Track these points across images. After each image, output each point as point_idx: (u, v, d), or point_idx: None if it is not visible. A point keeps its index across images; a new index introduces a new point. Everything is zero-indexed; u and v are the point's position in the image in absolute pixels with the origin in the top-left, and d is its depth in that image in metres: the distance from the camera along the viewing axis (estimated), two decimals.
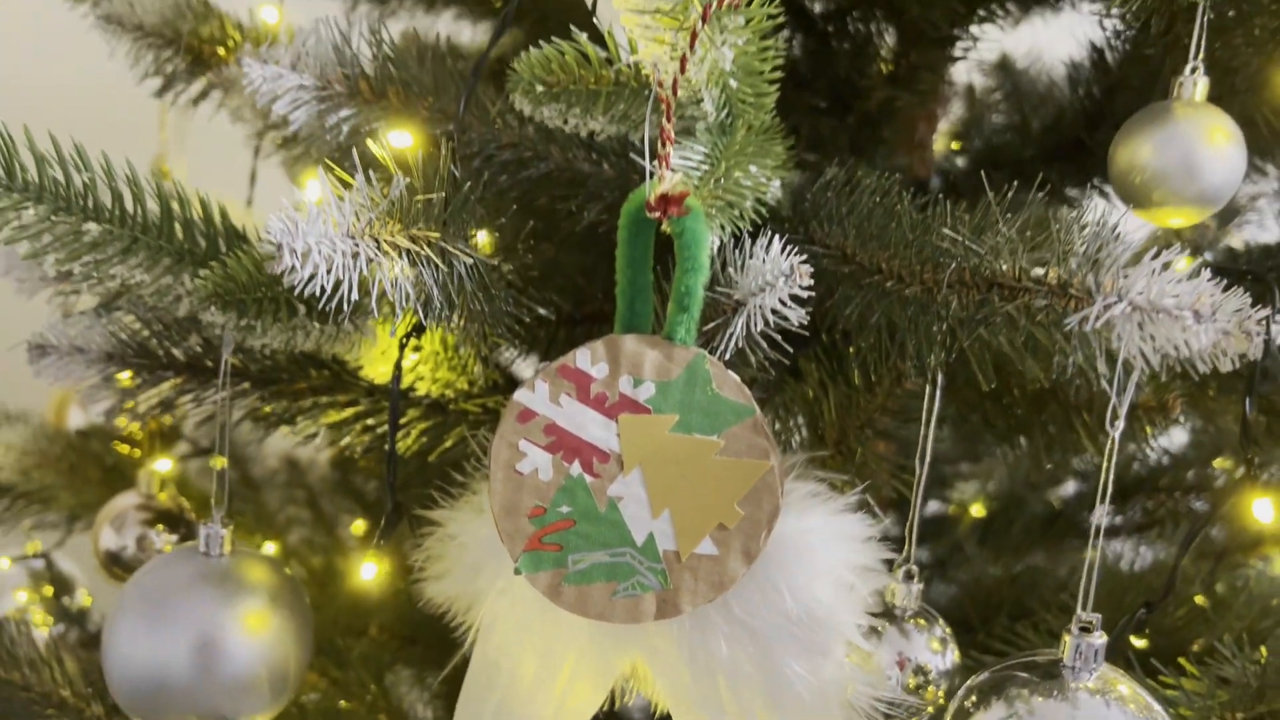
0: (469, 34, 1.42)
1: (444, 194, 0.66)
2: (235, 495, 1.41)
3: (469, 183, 0.67)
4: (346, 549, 1.42)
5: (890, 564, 0.68)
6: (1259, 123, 0.94)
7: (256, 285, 0.63)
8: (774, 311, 0.63)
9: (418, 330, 0.73)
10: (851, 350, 0.79)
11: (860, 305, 0.72)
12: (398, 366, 0.73)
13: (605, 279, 0.70)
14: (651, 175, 0.60)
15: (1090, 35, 1.08)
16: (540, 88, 0.64)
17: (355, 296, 0.58)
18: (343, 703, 1.13)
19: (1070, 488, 1.45)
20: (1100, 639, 0.63)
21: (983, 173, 1.13)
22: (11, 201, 0.62)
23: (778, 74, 0.65)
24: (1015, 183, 1.12)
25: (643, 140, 0.62)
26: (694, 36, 0.58)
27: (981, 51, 1.09)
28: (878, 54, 1.04)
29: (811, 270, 0.62)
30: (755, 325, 0.63)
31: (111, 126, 1.39)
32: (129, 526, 1.06)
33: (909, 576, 0.75)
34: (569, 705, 0.68)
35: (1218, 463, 1.34)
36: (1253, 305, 0.60)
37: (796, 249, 0.75)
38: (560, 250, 0.97)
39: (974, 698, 0.66)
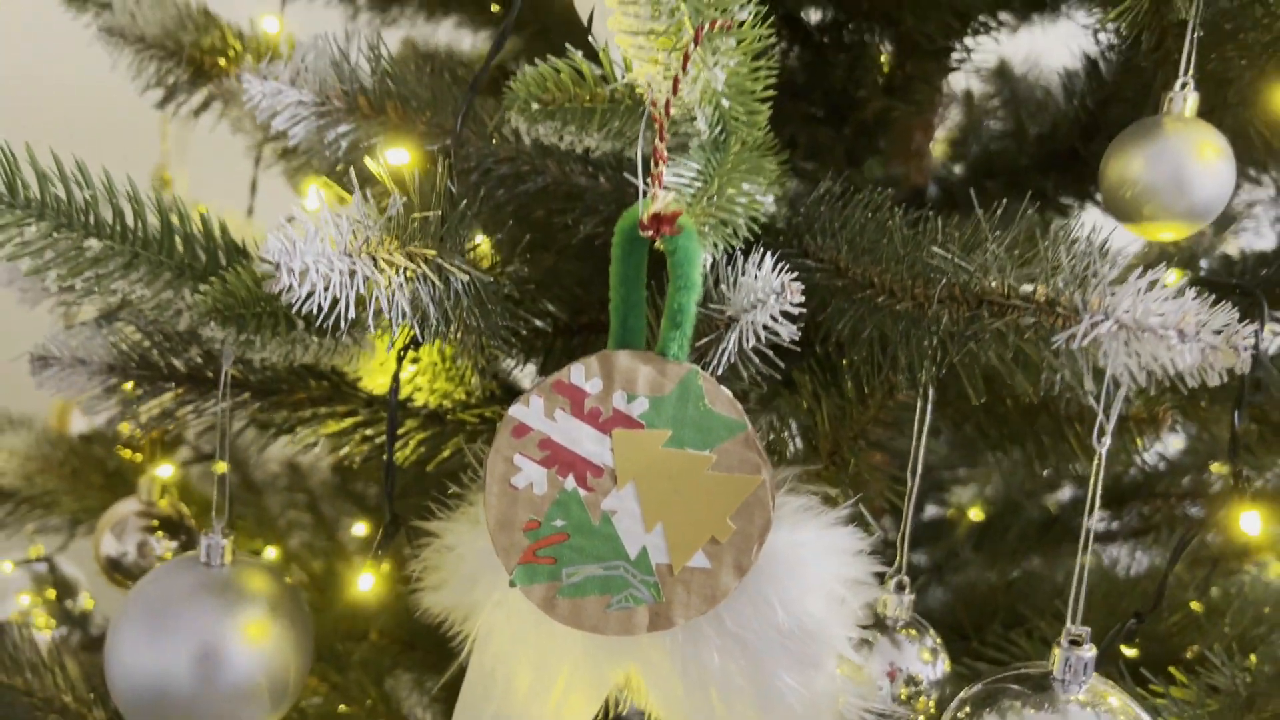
0: (469, 41, 1.43)
1: (441, 210, 0.66)
2: (237, 499, 1.42)
3: (464, 200, 0.68)
4: (347, 553, 1.43)
5: (882, 576, 0.68)
6: (1252, 135, 0.95)
7: (256, 300, 0.64)
8: (765, 328, 0.63)
9: (415, 343, 0.74)
10: (845, 363, 0.80)
11: (853, 319, 0.72)
12: (395, 379, 0.73)
13: (602, 290, 0.71)
14: (645, 194, 0.61)
15: (1085, 46, 1.08)
16: (535, 105, 0.65)
17: (352, 314, 0.59)
18: (343, 707, 1.14)
19: (1067, 493, 1.45)
20: (1090, 652, 0.64)
21: (976, 187, 1.14)
22: (14, 218, 0.63)
23: (770, 92, 0.66)
24: (1010, 193, 1.13)
25: (638, 156, 0.63)
26: (686, 58, 0.59)
27: (980, 57, 1.09)
28: (874, 65, 1.05)
29: (803, 287, 0.63)
30: (747, 341, 0.64)
31: (116, 131, 1.40)
32: (130, 533, 1.07)
33: (900, 587, 0.76)
34: (564, 716, 0.69)
35: (1215, 468, 1.35)
36: (1242, 318, 0.61)
37: (790, 263, 0.76)
38: (559, 260, 0.98)
39: (966, 709, 0.67)
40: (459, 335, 0.69)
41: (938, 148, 1.28)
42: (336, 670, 1.15)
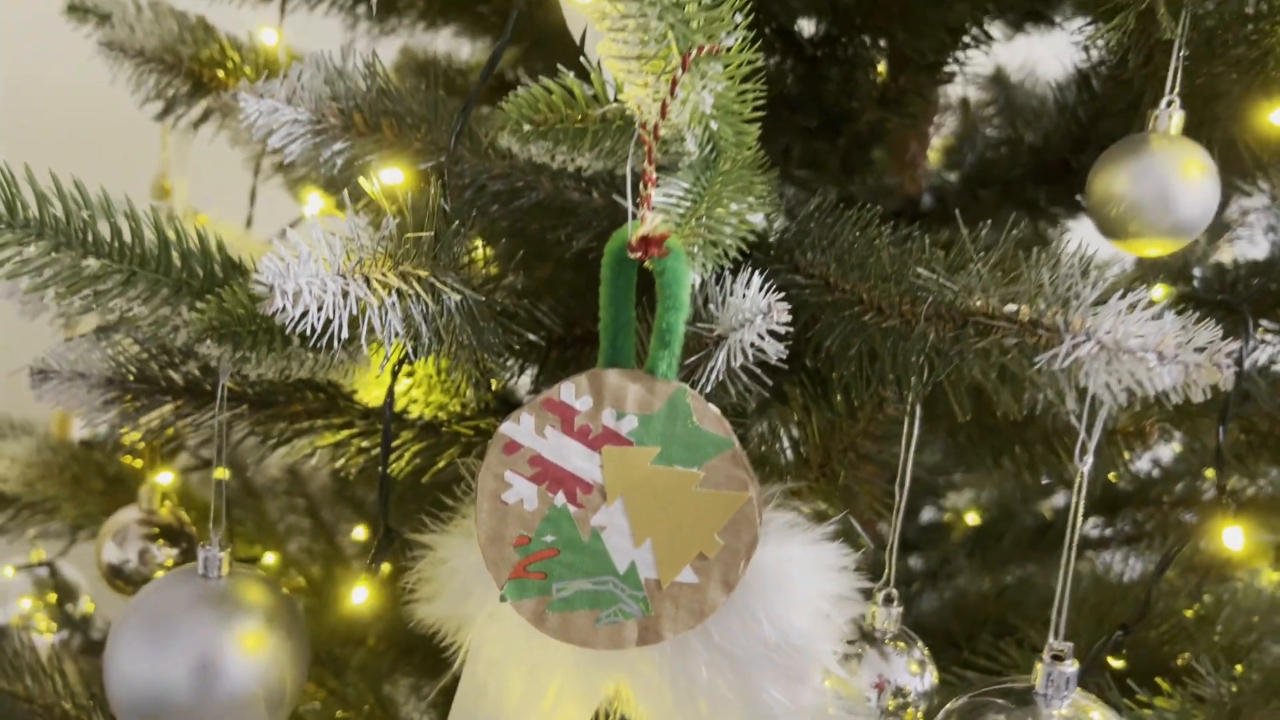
0: (467, 50, 1.44)
1: (435, 228, 0.67)
2: (237, 504, 1.43)
3: (457, 221, 0.69)
4: (346, 558, 1.44)
5: (869, 591, 0.69)
6: (1241, 148, 0.96)
7: (251, 318, 0.65)
8: (753, 345, 0.64)
9: (410, 357, 0.75)
10: (835, 377, 0.81)
11: (842, 334, 0.73)
12: (389, 395, 0.74)
13: (596, 302, 0.72)
14: (634, 216, 0.62)
15: (1077, 59, 1.09)
16: (528, 126, 0.66)
17: (345, 335, 0.60)
18: (340, 713, 1.15)
19: (1061, 499, 1.46)
20: (1072, 667, 0.65)
21: (970, 197, 1.15)
22: (14, 238, 0.64)
23: (758, 114, 0.67)
24: (1003, 204, 1.14)
25: (630, 173, 0.64)
26: (674, 83, 0.59)
27: (977, 65, 1.10)
28: (867, 78, 1.06)
29: (789, 308, 0.64)
30: (735, 359, 0.65)
31: (118, 138, 1.41)
32: (131, 541, 1.08)
33: (889, 600, 0.77)
34: None
35: (1209, 473, 1.35)
36: (1228, 334, 0.62)
37: (781, 278, 0.77)
38: (554, 272, 0.99)
39: None
40: (452, 352, 0.70)
41: (933, 155, 1.29)
42: (334, 676, 1.16)
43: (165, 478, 1.13)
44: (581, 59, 0.69)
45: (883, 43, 1.05)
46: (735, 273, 0.67)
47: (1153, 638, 1.07)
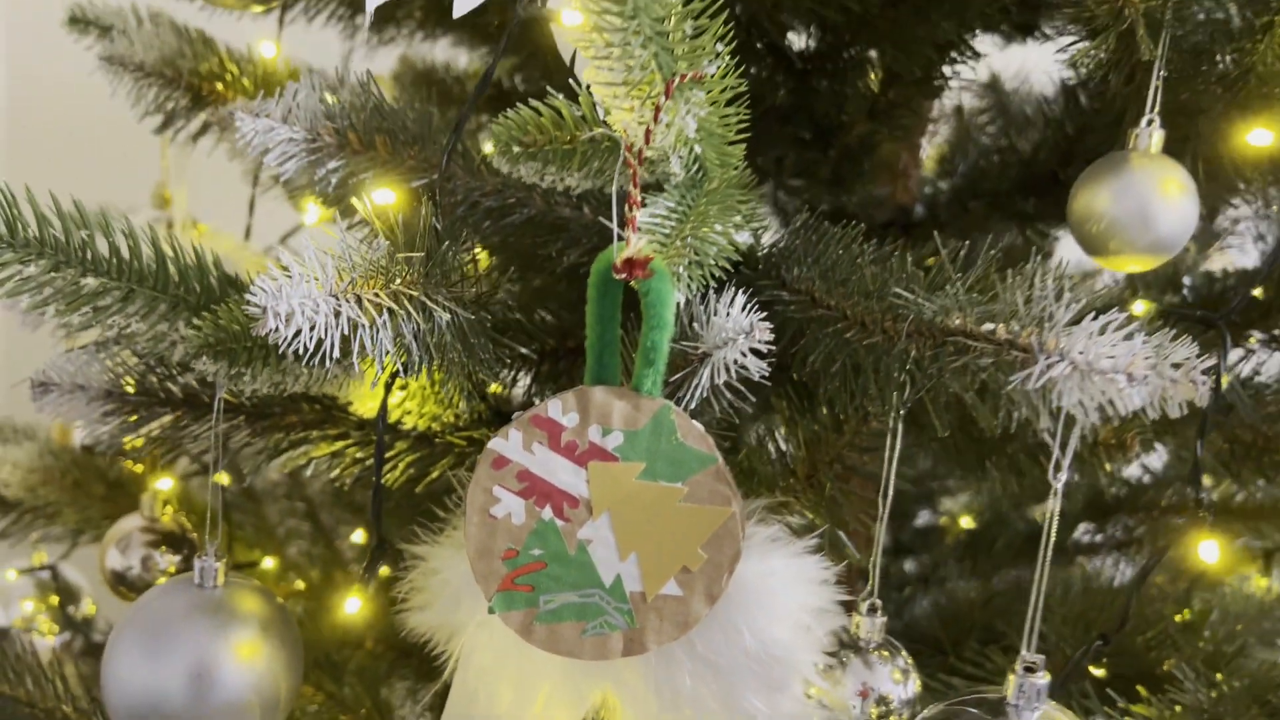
0: (465, 59, 1.46)
1: (426, 248, 0.69)
2: (237, 508, 1.45)
3: (448, 242, 0.70)
4: (344, 561, 1.46)
5: (848, 603, 0.71)
6: (1225, 162, 0.97)
7: (246, 335, 0.66)
8: (736, 363, 0.66)
9: (403, 370, 0.76)
10: (820, 390, 0.82)
11: (826, 349, 0.75)
12: (383, 408, 0.76)
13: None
14: (619, 237, 0.63)
15: (1065, 74, 1.11)
16: (517, 148, 0.67)
17: (338, 353, 0.61)
18: (340, 717, 1.17)
19: (1053, 504, 1.47)
20: (1043, 679, 0.66)
21: (961, 208, 1.16)
22: (15, 257, 0.66)
23: (742, 136, 0.68)
24: (993, 215, 1.15)
25: (619, 191, 0.65)
26: (658, 110, 0.61)
27: (972, 71, 1.11)
28: (857, 92, 1.07)
29: (770, 327, 0.65)
30: (719, 377, 0.66)
31: (120, 143, 1.42)
32: (134, 548, 1.10)
33: (873, 610, 0.79)
34: None
35: (1204, 479, 1.36)
36: (1208, 348, 0.63)
37: (767, 294, 0.78)
38: (547, 284, 1.00)
39: None
40: (444, 367, 0.71)
41: (927, 163, 1.30)
42: (332, 679, 1.17)
43: (166, 483, 1.15)
44: (570, 81, 0.70)
45: (873, 56, 1.06)
46: (721, 290, 0.68)
47: (1139, 644, 1.08)
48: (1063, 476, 0.63)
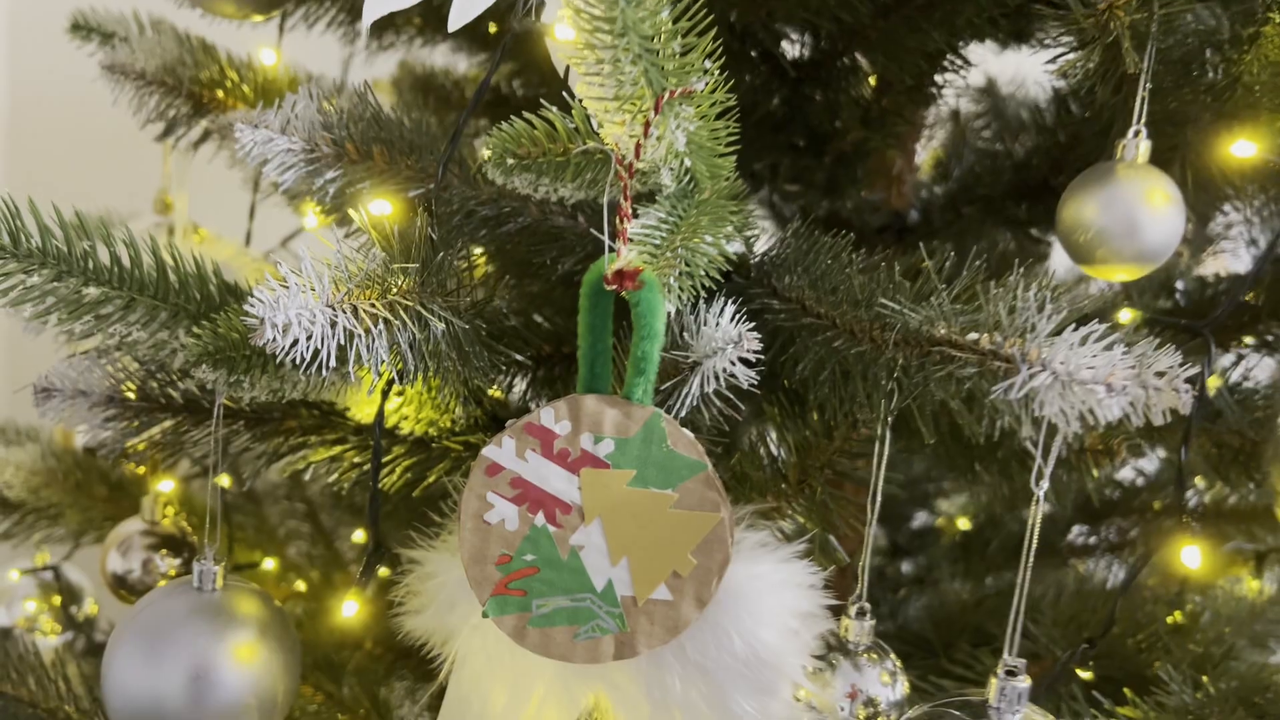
0: (464, 64, 1.47)
1: (422, 258, 0.70)
2: (237, 509, 1.46)
3: (443, 252, 0.71)
4: (344, 562, 1.47)
5: (836, 607, 0.72)
6: (1213, 171, 0.98)
7: (244, 344, 0.68)
8: (725, 371, 0.67)
9: (399, 377, 0.77)
10: (810, 397, 0.83)
11: (816, 356, 0.76)
12: (379, 415, 0.77)
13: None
14: (610, 248, 0.64)
15: (1056, 82, 1.12)
16: (511, 160, 0.68)
17: (334, 362, 0.63)
18: (339, 717, 1.18)
19: (1047, 507, 1.48)
20: (1024, 683, 0.67)
21: (955, 214, 1.17)
22: (18, 267, 0.67)
23: (732, 149, 0.70)
24: (987, 220, 1.16)
25: (611, 201, 0.66)
26: (648, 124, 0.62)
27: (968, 75, 1.12)
28: (850, 99, 1.08)
29: (758, 337, 0.66)
30: (709, 385, 0.68)
31: (123, 149, 1.44)
32: (134, 551, 1.11)
33: (861, 613, 0.80)
34: None
35: (1198, 480, 1.37)
36: (1192, 355, 0.64)
37: (758, 302, 0.80)
38: (543, 290, 1.01)
39: None
40: (439, 375, 0.73)
41: (922, 167, 1.31)
42: (331, 680, 1.18)
43: (167, 485, 1.16)
44: (564, 94, 0.72)
45: (865, 64, 1.07)
46: (711, 300, 0.70)
47: (1131, 646, 1.09)
48: (1044, 484, 0.64)
